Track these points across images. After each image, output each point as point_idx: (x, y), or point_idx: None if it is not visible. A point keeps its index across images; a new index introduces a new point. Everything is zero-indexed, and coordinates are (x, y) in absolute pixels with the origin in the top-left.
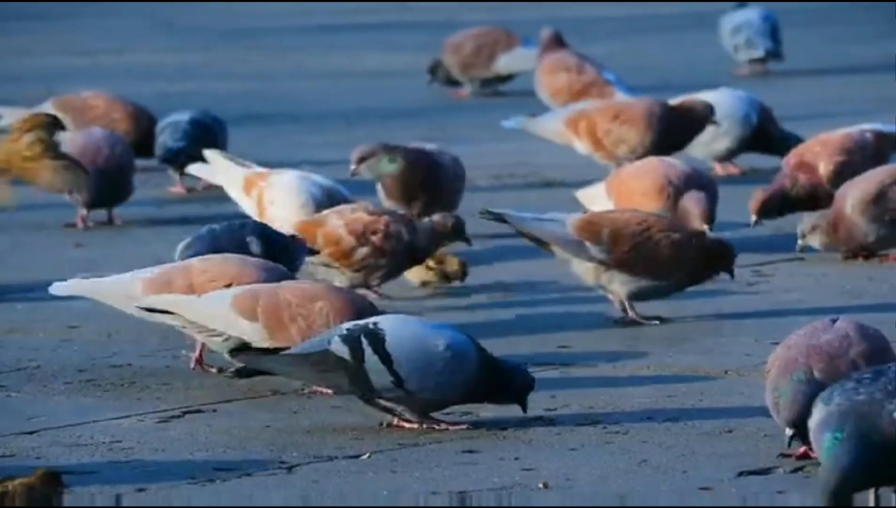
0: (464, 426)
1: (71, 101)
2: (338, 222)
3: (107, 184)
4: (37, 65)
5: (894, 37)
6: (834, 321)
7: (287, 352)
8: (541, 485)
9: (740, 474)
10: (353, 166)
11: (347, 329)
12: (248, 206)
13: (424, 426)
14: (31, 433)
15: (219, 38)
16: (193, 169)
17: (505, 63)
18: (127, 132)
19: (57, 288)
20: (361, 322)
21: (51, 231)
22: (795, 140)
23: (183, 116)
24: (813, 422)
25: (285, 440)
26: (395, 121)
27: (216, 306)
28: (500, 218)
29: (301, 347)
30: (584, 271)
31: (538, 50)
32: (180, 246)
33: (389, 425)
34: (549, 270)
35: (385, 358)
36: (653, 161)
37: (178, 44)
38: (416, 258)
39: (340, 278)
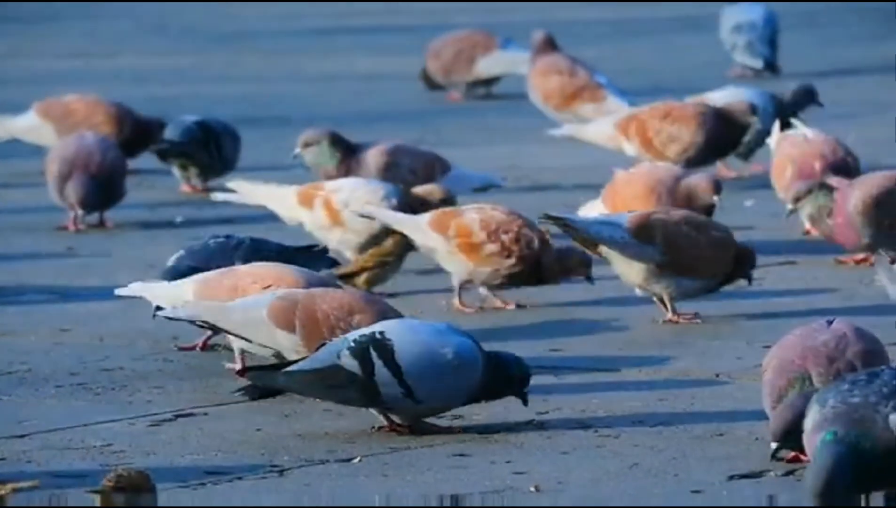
0: (458, 430)
1: (53, 105)
2: (474, 215)
3: (99, 189)
4: (27, 68)
5: (886, 40)
6: (830, 323)
7: (295, 367)
8: (532, 489)
9: (731, 477)
10: (296, 150)
11: (354, 341)
12: (308, 218)
13: (414, 429)
14: (22, 436)
15: (211, 42)
16: (221, 197)
17: (483, 66)
18: (110, 134)
19: (121, 291)
20: (368, 331)
21: (42, 234)
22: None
23: (192, 117)
24: (807, 424)
25: (277, 444)
26: (386, 124)
27: (251, 315)
28: (561, 222)
29: (309, 361)
30: (633, 271)
31: (529, 53)
32: (172, 258)
33: (381, 428)
34: None
35: (395, 371)
36: (644, 166)
37: (171, 47)
38: (540, 277)
39: (460, 268)
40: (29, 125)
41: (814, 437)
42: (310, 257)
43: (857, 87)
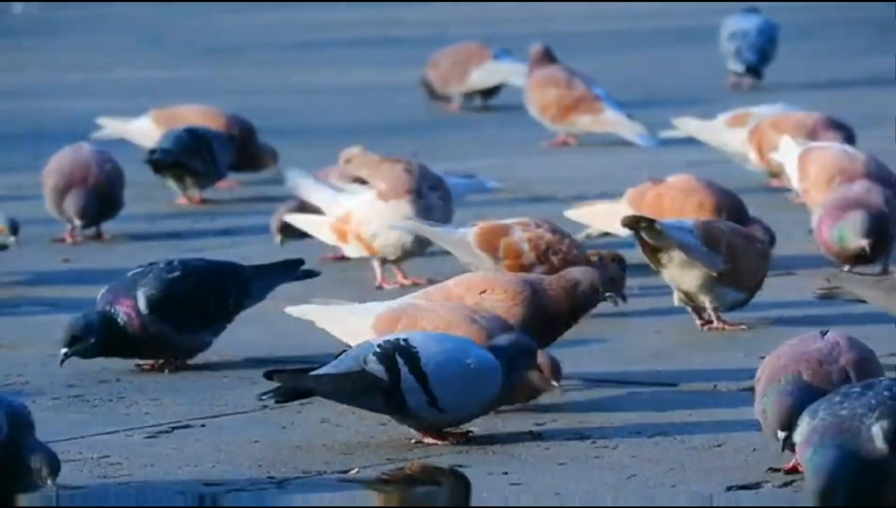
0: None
1: (167, 113)
2: (521, 234)
3: (97, 201)
4: (27, 80)
5: (877, 53)
6: (823, 334)
7: (323, 371)
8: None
9: (729, 488)
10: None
11: (380, 346)
12: (349, 251)
13: (451, 442)
14: None
15: (206, 54)
16: (293, 222)
17: (477, 77)
18: None
19: (292, 310)
20: (392, 338)
21: (39, 246)
22: None
23: (179, 126)
24: (798, 436)
25: (274, 456)
26: (382, 135)
27: (359, 324)
28: (646, 223)
29: (335, 365)
30: (689, 278)
31: (523, 64)
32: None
33: (419, 442)
34: None
35: (421, 378)
36: (694, 179)
37: (166, 60)
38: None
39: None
40: (142, 129)
41: (803, 450)
42: (282, 270)
43: (849, 100)
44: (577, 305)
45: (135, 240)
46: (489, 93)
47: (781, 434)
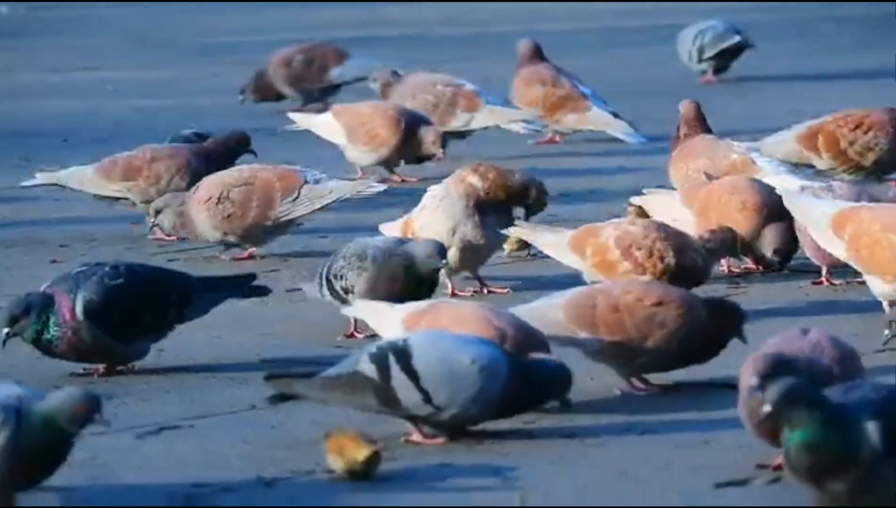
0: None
1: (345, 109)
2: (610, 232)
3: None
4: (13, 82)
5: (865, 50)
6: (806, 332)
7: (318, 376)
8: (517, 500)
9: (718, 485)
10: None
11: (377, 347)
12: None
13: (443, 440)
14: None
15: (192, 54)
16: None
17: (336, 74)
18: (387, 138)
19: (347, 310)
20: (393, 339)
21: (25, 248)
22: None
23: (189, 129)
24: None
25: (263, 456)
26: None
27: (389, 322)
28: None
29: (332, 370)
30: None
31: (516, 63)
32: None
33: (408, 441)
34: (532, 285)
35: (412, 375)
36: (743, 179)
37: (152, 59)
38: (693, 280)
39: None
40: (325, 122)
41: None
42: (232, 285)
43: (837, 97)
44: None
45: (121, 242)
46: (332, 89)
47: (754, 381)
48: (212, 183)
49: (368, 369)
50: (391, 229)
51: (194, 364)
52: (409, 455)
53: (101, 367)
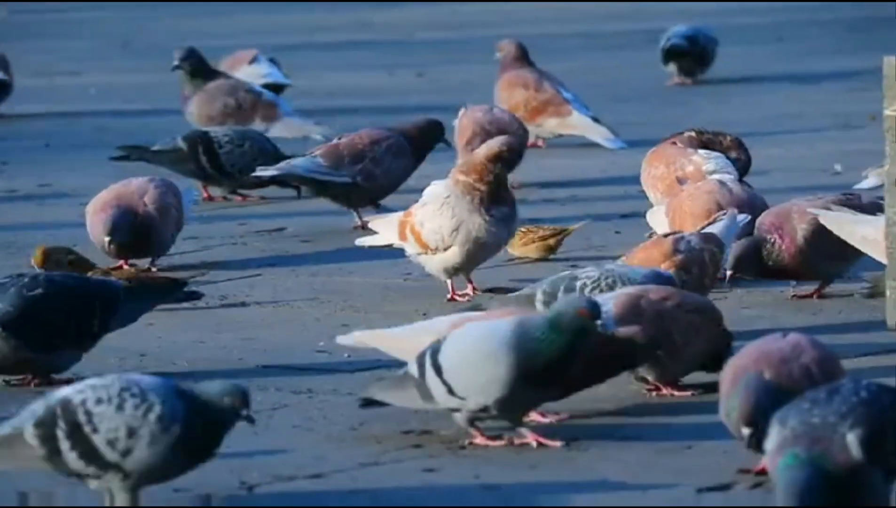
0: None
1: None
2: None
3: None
4: None
5: (848, 53)
6: (785, 335)
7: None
8: None
9: (700, 490)
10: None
11: (428, 347)
12: (409, 249)
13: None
14: None
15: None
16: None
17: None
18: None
19: (342, 339)
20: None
21: (11, 253)
22: None
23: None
24: (768, 444)
25: (245, 461)
26: None
27: (414, 347)
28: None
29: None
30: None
31: (500, 65)
32: None
33: (471, 443)
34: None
35: (437, 369)
36: (708, 183)
37: (135, 64)
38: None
39: None
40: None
41: (775, 458)
42: (161, 291)
43: (820, 100)
44: None
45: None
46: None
47: (746, 431)
48: None
49: (412, 368)
50: (383, 224)
51: (176, 372)
52: (393, 459)
53: (28, 377)
